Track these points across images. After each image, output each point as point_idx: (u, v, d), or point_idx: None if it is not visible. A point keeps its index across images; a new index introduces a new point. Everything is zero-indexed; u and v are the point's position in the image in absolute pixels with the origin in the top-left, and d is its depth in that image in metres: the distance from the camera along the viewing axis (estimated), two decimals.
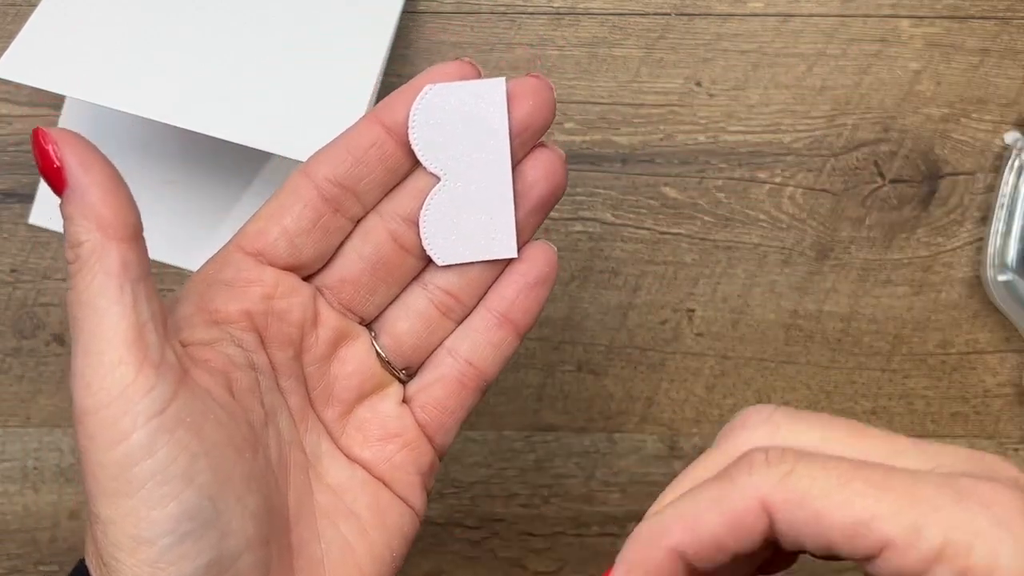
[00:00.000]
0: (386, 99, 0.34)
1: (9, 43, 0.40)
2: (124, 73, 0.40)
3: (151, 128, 0.47)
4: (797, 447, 0.25)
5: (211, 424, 0.30)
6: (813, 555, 0.25)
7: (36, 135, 0.29)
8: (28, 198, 0.48)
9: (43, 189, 0.47)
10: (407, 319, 0.36)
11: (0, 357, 0.49)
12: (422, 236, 0.34)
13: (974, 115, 0.48)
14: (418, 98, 0.33)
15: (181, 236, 0.47)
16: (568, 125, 0.48)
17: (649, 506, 0.27)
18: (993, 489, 0.23)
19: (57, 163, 0.29)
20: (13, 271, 0.49)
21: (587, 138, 0.48)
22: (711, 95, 0.48)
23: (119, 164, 0.47)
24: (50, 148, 0.29)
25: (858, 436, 0.25)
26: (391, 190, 0.34)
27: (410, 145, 0.34)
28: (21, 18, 0.42)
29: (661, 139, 0.48)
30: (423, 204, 0.34)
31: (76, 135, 0.30)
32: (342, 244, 0.34)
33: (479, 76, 0.34)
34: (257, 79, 0.41)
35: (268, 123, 0.40)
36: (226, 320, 0.33)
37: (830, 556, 0.25)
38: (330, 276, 0.34)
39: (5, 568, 0.50)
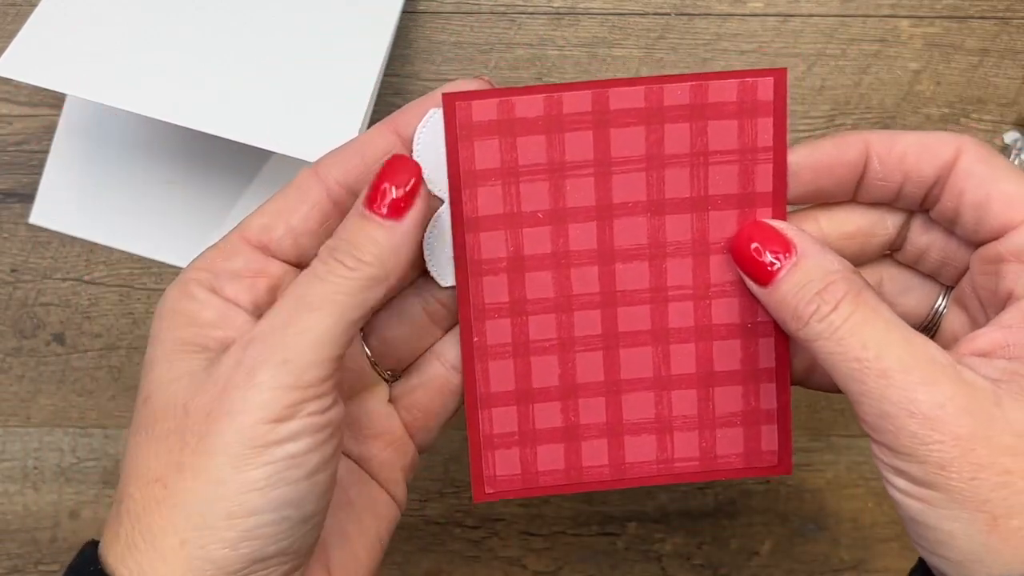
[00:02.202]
0: (403, 108, 0.34)
1: (10, 43, 0.40)
2: (125, 72, 0.40)
3: (151, 128, 0.47)
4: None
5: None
6: (937, 220, 0.34)
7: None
8: (28, 198, 0.48)
9: (43, 189, 0.47)
10: (399, 325, 0.36)
11: (0, 357, 0.49)
12: (425, 257, 0.35)
13: (973, 115, 0.48)
14: (422, 122, 0.33)
15: (181, 236, 0.47)
16: None
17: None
18: None
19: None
20: (13, 271, 0.49)
21: None
22: None
23: (119, 164, 0.47)
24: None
25: None
26: None
27: None
28: (22, 18, 0.42)
29: None
30: (427, 226, 0.35)
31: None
32: None
33: None
34: (258, 78, 0.41)
35: (268, 122, 0.40)
36: None
37: (949, 226, 0.34)
38: None
39: (5, 568, 0.50)
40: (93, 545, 0.32)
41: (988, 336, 0.32)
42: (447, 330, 0.37)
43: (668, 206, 0.34)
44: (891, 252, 0.36)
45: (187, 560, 0.29)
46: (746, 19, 0.48)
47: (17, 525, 0.50)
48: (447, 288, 0.35)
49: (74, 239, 0.48)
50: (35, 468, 0.50)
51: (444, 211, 0.35)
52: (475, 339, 0.35)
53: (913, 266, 0.36)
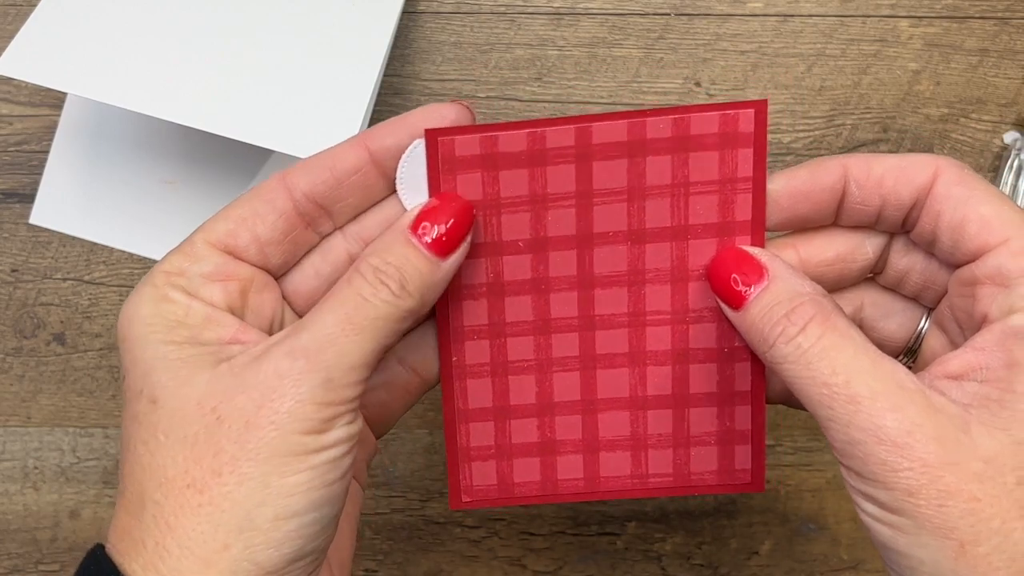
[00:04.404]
0: (377, 126, 0.34)
1: (10, 42, 0.40)
2: (125, 70, 0.40)
3: (151, 128, 0.47)
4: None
5: None
6: (916, 242, 0.35)
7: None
8: (28, 198, 0.48)
9: (43, 189, 0.47)
10: None
11: (0, 357, 0.49)
12: None
13: (973, 115, 0.48)
14: (405, 153, 0.34)
15: (181, 236, 0.47)
16: None
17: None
18: None
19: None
20: (14, 271, 0.49)
21: None
22: (710, 95, 0.48)
23: (119, 164, 0.47)
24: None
25: None
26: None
27: (388, 173, 0.34)
28: (22, 18, 0.42)
29: None
30: None
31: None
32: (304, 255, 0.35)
33: (473, 119, 0.34)
34: (258, 77, 0.41)
35: (269, 120, 0.40)
36: None
37: (927, 248, 0.34)
38: (286, 284, 0.35)
39: (6, 568, 0.50)
40: (101, 548, 0.31)
41: (960, 358, 0.32)
42: (405, 333, 0.38)
43: (649, 235, 0.35)
44: (873, 275, 0.37)
45: (232, 563, 0.29)
46: (746, 19, 0.48)
47: (17, 525, 0.50)
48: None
49: (74, 239, 0.48)
50: (35, 468, 0.50)
51: None
52: (454, 359, 0.36)
53: (895, 288, 0.37)
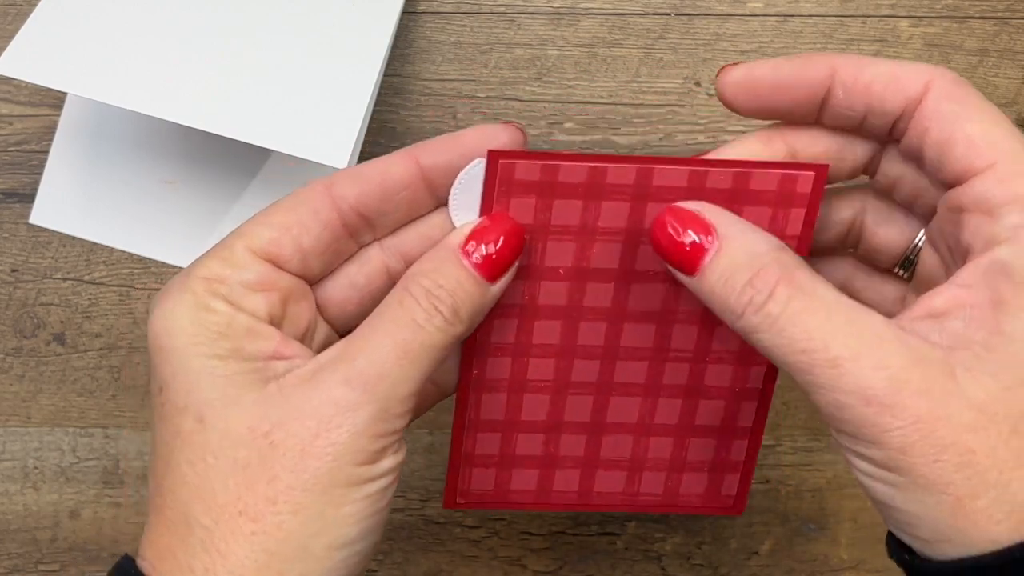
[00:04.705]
0: (429, 142, 0.34)
1: (10, 42, 0.40)
2: (125, 70, 0.40)
3: (151, 127, 0.47)
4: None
5: None
6: (905, 155, 0.33)
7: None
8: (29, 198, 0.48)
9: (43, 189, 0.47)
10: None
11: (0, 357, 0.49)
12: None
13: None
14: (464, 170, 0.33)
15: (181, 236, 0.47)
16: (568, 125, 0.48)
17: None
18: None
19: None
20: (14, 271, 0.49)
21: (586, 138, 0.48)
22: (711, 95, 0.48)
23: (119, 164, 0.47)
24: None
25: None
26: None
27: (436, 190, 0.34)
28: (22, 18, 0.42)
29: (661, 139, 0.48)
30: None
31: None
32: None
33: (526, 141, 0.34)
34: (258, 77, 0.41)
35: (269, 120, 0.40)
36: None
37: (916, 163, 0.33)
38: (318, 291, 0.35)
39: (6, 567, 0.50)
40: (131, 561, 0.31)
41: (944, 295, 0.30)
42: None
43: None
44: (868, 175, 0.35)
45: None
46: (746, 19, 0.48)
47: (17, 525, 0.50)
48: None
49: (74, 239, 0.48)
50: (35, 468, 0.50)
51: None
52: (474, 372, 0.36)
53: (889, 194, 0.35)
